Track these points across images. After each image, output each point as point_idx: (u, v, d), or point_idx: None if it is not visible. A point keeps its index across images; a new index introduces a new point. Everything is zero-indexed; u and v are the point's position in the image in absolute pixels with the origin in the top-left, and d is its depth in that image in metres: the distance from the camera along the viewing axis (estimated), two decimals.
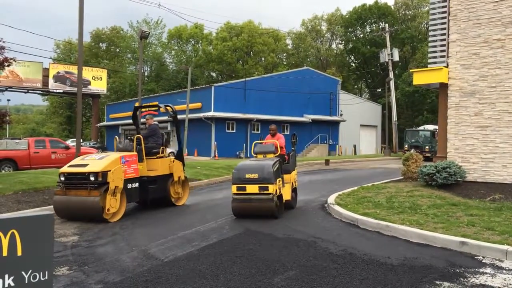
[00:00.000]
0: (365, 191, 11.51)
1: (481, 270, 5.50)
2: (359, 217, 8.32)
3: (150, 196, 10.16)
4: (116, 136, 11.90)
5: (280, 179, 8.66)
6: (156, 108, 12.24)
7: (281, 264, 5.72)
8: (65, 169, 9.13)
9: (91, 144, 44.34)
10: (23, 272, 2.82)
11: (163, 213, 9.99)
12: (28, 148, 18.89)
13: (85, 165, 8.98)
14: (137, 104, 14.57)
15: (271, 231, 7.72)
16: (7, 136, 45.55)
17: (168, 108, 11.39)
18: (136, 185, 9.68)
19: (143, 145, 10.12)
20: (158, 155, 10.65)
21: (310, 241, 6.97)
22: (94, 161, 9.11)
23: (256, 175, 8.34)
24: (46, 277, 2.92)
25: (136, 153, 9.86)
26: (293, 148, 10.44)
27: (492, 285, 4.97)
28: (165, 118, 37.33)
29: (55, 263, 5.72)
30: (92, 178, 8.66)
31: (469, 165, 11.75)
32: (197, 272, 5.43)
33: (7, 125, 23.08)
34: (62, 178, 8.98)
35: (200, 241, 6.99)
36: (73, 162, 9.52)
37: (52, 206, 9.27)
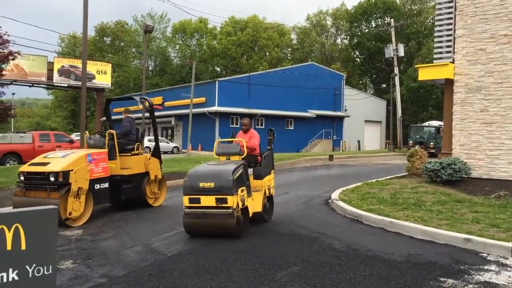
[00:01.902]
0: (369, 187, 11.49)
1: (485, 267, 5.48)
2: (363, 213, 8.31)
3: (124, 197, 9.30)
4: (87, 131, 11.06)
5: (244, 187, 6.79)
6: (146, 103, 11.60)
7: (284, 260, 5.71)
8: (25, 167, 8.28)
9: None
10: (27, 266, 2.82)
11: (167, 208, 10.00)
12: (33, 142, 18.97)
13: (46, 164, 8.11)
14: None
15: (275, 227, 7.72)
16: (12, 130, 45.71)
17: (143, 100, 10.63)
18: (106, 185, 8.76)
19: (115, 141, 9.20)
20: (132, 152, 9.76)
21: (313, 237, 6.97)
22: (56, 160, 8.21)
23: (212, 184, 6.52)
24: (50, 271, 2.93)
25: (106, 150, 8.97)
26: (268, 147, 8.43)
27: (497, 282, 4.94)
28: (168, 112, 37.38)
29: (59, 257, 5.73)
30: (52, 179, 7.81)
31: (474, 162, 11.69)
32: (200, 267, 5.44)
33: (12, 118, 23.16)
34: (22, 178, 8.14)
35: (203, 236, 6.99)
36: (34, 160, 8.59)
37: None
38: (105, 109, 11.00)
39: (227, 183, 6.49)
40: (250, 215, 7.14)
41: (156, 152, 10.32)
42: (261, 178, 7.82)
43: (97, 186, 8.49)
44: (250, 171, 7.64)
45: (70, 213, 7.83)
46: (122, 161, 9.36)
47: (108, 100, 11.11)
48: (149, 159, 10.00)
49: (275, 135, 8.48)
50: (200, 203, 6.60)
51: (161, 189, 10.33)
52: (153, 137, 10.80)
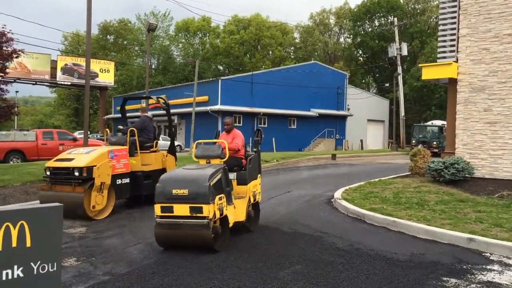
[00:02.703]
0: (372, 186, 11.48)
1: (488, 267, 5.48)
2: (366, 212, 8.31)
3: (144, 192, 9.56)
4: (107, 129, 11.51)
5: (222, 195, 6.16)
6: (161, 101, 11.91)
7: (287, 258, 5.73)
8: (51, 163, 8.79)
9: (98, 136, 44.54)
10: (32, 263, 2.83)
11: None
12: (36, 140, 19.01)
13: (70, 160, 8.57)
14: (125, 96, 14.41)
15: (278, 226, 7.72)
16: (15, 128, 45.85)
17: (160, 99, 10.93)
18: (127, 180, 9.20)
19: (137, 138, 9.62)
20: (151, 149, 10.16)
21: (316, 236, 6.97)
22: (80, 156, 8.67)
23: (185, 191, 5.83)
24: (55, 268, 2.94)
25: (127, 147, 9.38)
26: (255, 149, 7.87)
27: (500, 282, 4.94)
28: (170, 111, 37.42)
29: (63, 254, 5.75)
30: (76, 174, 8.24)
31: (478, 161, 11.66)
32: (203, 265, 5.45)
33: (15, 116, 23.21)
34: (48, 173, 8.64)
35: None
36: (59, 156, 9.11)
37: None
38: (121, 108, 11.30)
39: (202, 190, 5.78)
40: (231, 225, 6.44)
41: (172, 150, 10.80)
42: (246, 183, 7.11)
43: (118, 181, 8.95)
44: (233, 175, 7.04)
45: (93, 207, 8.32)
46: (142, 158, 9.78)
47: (125, 99, 11.46)
48: (166, 156, 10.45)
49: (262, 135, 7.87)
50: (173, 212, 5.89)
51: None
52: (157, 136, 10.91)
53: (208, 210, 5.75)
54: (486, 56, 11.64)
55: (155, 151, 10.24)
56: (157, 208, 5.97)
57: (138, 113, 10.76)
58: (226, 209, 6.22)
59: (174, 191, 5.87)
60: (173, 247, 6.17)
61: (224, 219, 6.23)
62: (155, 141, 10.33)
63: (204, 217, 5.77)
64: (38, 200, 9.16)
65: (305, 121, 39.59)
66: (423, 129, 32.60)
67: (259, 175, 7.75)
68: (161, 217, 5.97)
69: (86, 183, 8.24)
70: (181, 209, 5.86)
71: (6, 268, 2.71)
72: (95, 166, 8.30)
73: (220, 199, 6.06)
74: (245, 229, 7.10)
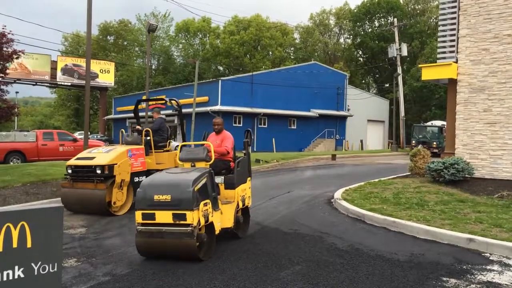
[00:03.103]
0: (372, 186, 11.49)
1: (488, 267, 5.48)
2: (365, 212, 8.32)
3: None
4: (122, 129, 11.99)
5: (208, 200, 5.79)
6: (163, 102, 12.27)
7: (287, 259, 5.73)
8: (72, 161, 9.19)
9: (98, 137, 44.54)
10: (32, 264, 2.84)
11: None
12: (36, 140, 19.02)
13: (91, 158, 8.99)
14: (144, 97, 14.59)
15: (278, 226, 7.73)
16: (16, 128, 45.86)
17: (173, 102, 11.30)
18: (144, 178, 9.54)
19: (151, 138, 10.13)
20: (164, 149, 10.66)
21: (316, 236, 6.98)
22: (101, 154, 9.08)
23: (168, 197, 5.46)
24: (55, 269, 2.95)
25: (143, 146, 9.86)
26: (244, 152, 7.45)
27: (500, 282, 4.95)
28: (170, 111, 37.45)
29: (63, 255, 5.76)
30: (98, 171, 8.67)
31: (477, 162, 11.67)
32: (203, 266, 5.46)
33: (16, 117, 23.21)
34: (69, 171, 9.05)
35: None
36: (80, 155, 9.55)
37: (60, 198, 9.33)
38: (134, 110, 11.77)
39: (186, 196, 5.41)
40: (217, 232, 6.09)
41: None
42: (234, 187, 6.71)
43: (136, 179, 9.33)
44: (221, 179, 6.72)
45: (114, 203, 8.78)
46: (157, 157, 10.30)
47: (138, 101, 11.93)
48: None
49: (252, 136, 7.60)
50: (155, 220, 5.52)
51: None
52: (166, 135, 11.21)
53: (192, 217, 5.39)
54: (486, 56, 11.65)
55: (168, 151, 10.72)
56: (138, 215, 5.60)
57: (142, 113, 11.10)
58: (212, 216, 5.85)
59: (156, 197, 5.50)
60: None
61: (209, 226, 5.86)
62: (168, 141, 10.88)
63: (188, 225, 5.39)
64: (59, 197, 9.46)
65: (305, 122, 39.60)
66: (423, 129, 32.61)
67: (248, 179, 7.37)
68: (143, 224, 5.60)
69: (108, 180, 8.69)
70: (163, 216, 5.49)
71: (7, 268, 2.73)
72: (116, 164, 8.77)
73: (205, 205, 5.69)
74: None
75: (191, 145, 6.76)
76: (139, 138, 10.06)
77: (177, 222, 5.43)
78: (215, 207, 6.03)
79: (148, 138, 10.12)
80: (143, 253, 5.79)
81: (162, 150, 10.56)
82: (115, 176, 8.73)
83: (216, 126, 7.37)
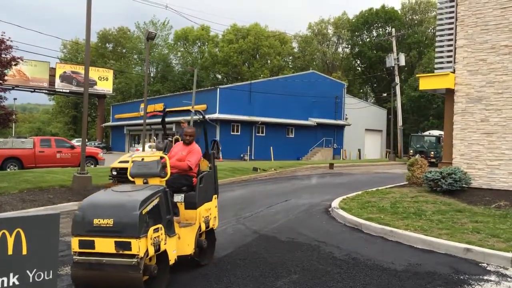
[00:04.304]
0: (370, 195, 11.48)
1: (485, 277, 5.47)
2: (363, 221, 8.30)
3: None
4: (154, 137, 13.45)
5: (159, 225, 4.78)
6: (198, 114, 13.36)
7: (284, 268, 5.71)
8: (116, 164, 10.80)
9: (96, 144, 44.51)
10: (27, 271, 2.83)
11: None
12: (34, 147, 18.98)
13: None
14: (162, 109, 14.98)
15: (275, 234, 7.71)
16: (13, 135, 45.81)
17: (197, 113, 12.06)
18: None
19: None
20: None
21: (313, 245, 6.96)
22: (146, 158, 10.08)
23: (110, 221, 4.49)
24: (51, 276, 2.93)
25: None
26: (210, 165, 6.61)
27: None
28: (168, 119, 37.43)
29: (59, 263, 5.72)
30: None
31: (475, 172, 11.69)
32: (199, 274, 5.43)
33: (13, 123, 23.16)
34: (114, 173, 10.67)
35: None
36: (122, 159, 11.32)
37: (55, 206, 9.31)
38: (162, 120, 12.75)
39: (131, 221, 4.46)
40: (172, 262, 5.04)
41: (206, 155, 12.12)
42: (195, 207, 5.72)
43: None
44: (181, 197, 5.77)
45: None
46: None
47: (165, 112, 12.47)
48: (203, 161, 11.67)
49: (220, 148, 6.76)
50: (94, 248, 4.49)
51: None
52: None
53: (139, 246, 4.42)
54: (483, 67, 11.72)
55: None
56: (74, 242, 4.57)
57: (140, 121, 12.13)
58: (165, 243, 4.86)
59: (95, 221, 4.50)
60: None
61: (162, 255, 4.88)
62: None
63: (133, 255, 4.43)
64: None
65: (303, 130, 39.67)
66: (420, 139, 32.70)
67: (214, 196, 6.37)
68: (80, 254, 4.56)
69: None
70: (104, 245, 4.48)
71: (1, 276, 2.71)
72: None
73: (156, 230, 4.70)
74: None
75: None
76: (170, 145, 10.77)
77: (121, 252, 4.47)
78: (170, 232, 5.03)
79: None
80: (80, 287, 4.74)
81: None
82: None
83: (188, 137, 6.40)
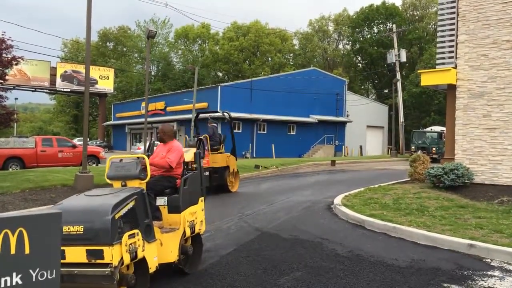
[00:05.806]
0: (372, 192, 11.46)
1: (489, 273, 5.46)
2: (365, 218, 8.29)
3: (214, 183, 12.16)
4: (186, 135, 13.65)
5: (136, 231, 4.43)
6: (226, 115, 14.81)
7: (287, 265, 5.71)
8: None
9: (98, 143, 44.57)
10: (30, 271, 2.81)
11: None
12: (35, 147, 18.99)
13: None
14: (193, 111, 15.16)
15: (277, 232, 7.70)
16: (15, 135, 45.88)
17: (225, 114, 14.07)
18: (206, 173, 11.47)
19: (208, 143, 12.35)
20: (218, 151, 12.98)
21: (316, 242, 6.95)
22: (124, 159, 10.55)
23: (80, 228, 4.13)
24: (54, 276, 2.92)
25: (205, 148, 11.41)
26: (194, 165, 6.24)
27: None
28: (170, 117, 37.41)
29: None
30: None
31: (477, 167, 11.66)
32: (202, 272, 5.43)
33: (15, 123, 23.19)
34: None
35: (204, 241, 6.98)
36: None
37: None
38: (194, 120, 13.89)
39: (102, 226, 4.11)
40: (153, 269, 4.70)
41: (233, 152, 13.57)
42: (179, 211, 5.34)
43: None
44: (164, 200, 5.44)
45: None
46: (212, 158, 12.47)
47: (198, 113, 14.35)
48: (229, 156, 13.21)
49: (205, 147, 6.36)
50: (64, 258, 4.07)
51: (236, 179, 13.58)
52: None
53: (111, 254, 4.07)
54: (484, 62, 11.68)
55: (221, 153, 13.13)
56: None
57: (142, 119, 12.50)
58: (143, 250, 4.50)
59: (65, 229, 4.08)
60: None
61: (141, 262, 4.53)
62: (221, 145, 13.23)
63: (106, 264, 4.07)
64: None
65: (304, 127, 39.63)
66: (422, 135, 32.63)
67: (201, 199, 5.96)
68: None
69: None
70: (75, 254, 4.12)
71: (5, 275, 2.70)
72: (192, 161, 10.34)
73: (132, 236, 4.34)
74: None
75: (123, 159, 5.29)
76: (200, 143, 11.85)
77: (93, 262, 4.11)
78: (149, 237, 4.68)
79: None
80: None
81: (216, 152, 12.89)
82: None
83: (159, 134, 5.95)
